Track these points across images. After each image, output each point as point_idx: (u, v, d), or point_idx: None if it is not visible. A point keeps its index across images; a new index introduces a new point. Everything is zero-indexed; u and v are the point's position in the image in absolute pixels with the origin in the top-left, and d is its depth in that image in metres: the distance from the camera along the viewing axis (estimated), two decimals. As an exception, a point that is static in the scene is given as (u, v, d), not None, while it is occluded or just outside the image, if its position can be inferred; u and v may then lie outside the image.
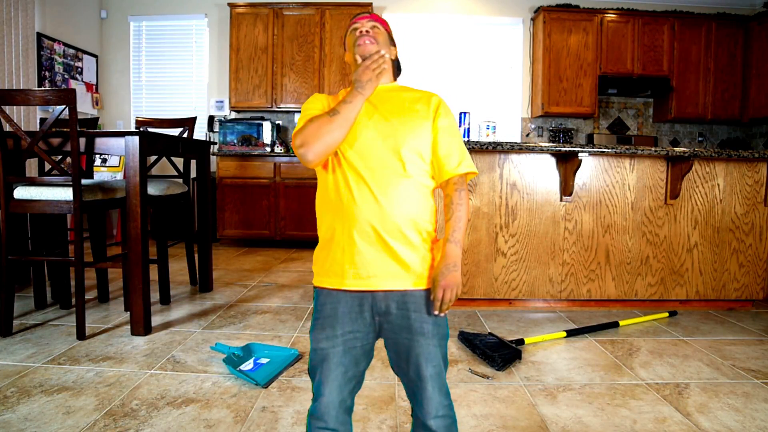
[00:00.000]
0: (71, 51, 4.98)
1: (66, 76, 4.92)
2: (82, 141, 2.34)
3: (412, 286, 1.06)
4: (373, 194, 1.03)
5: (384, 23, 1.23)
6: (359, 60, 1.15)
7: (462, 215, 1.09)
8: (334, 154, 1.08)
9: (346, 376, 1.04)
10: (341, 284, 1.06)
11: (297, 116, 5.34)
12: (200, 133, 5.36)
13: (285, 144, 5.23)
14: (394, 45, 1.24)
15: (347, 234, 1.05)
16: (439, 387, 1.03)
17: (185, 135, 3.32)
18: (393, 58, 1.22)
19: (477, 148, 2.65)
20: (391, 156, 1.06)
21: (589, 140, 5.45)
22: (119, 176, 5.04)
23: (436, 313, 1.03)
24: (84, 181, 2.42)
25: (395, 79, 1.25)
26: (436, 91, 1.21)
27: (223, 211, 4.91)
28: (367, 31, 1.17)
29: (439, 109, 1.13)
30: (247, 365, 1.99)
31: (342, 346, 1.04)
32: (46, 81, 4.64)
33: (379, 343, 1.13)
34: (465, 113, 3.39)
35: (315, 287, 1.12)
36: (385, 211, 1.03)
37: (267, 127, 5.09)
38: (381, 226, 1.03)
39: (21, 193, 2.31)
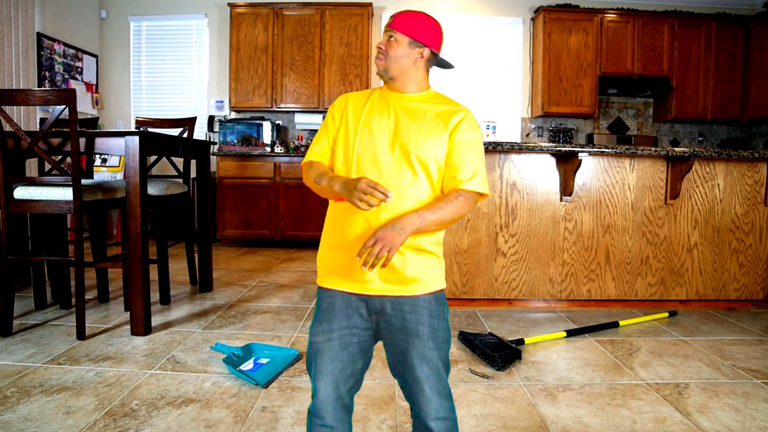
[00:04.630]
0: (71, 51, 4.98)
1: (66, 76, 4.92)
2: (82, 141, 2.34)
3: (410, 293, 1.06)
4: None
5: (405, 28, 1.12)
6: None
7: (444, 206, 1.04)
8: (345, 160, 1.11)
9: (343, 373, 1.04)
10: (339, 285, 1.08)
11: (297, 116, 5.35)
12: (200, 133, 5.35)
13: (285, 144, 5.23)
14: (426, 44, 1.13)
15: (351, 238, 1.06)
16: (438, 389, 1.02)
17: (185, 135, 3.32)
18: (420, 58, 1.14)
19: (477, 148, 2.65)
20: (402, 164, 1.07)
21: (589, 140, 5.45)
22: (119, 176, 5.04)
23: (358, 258, 0.96)
24: (84, 181, 2.42)
25: (429, 84, 1.18)
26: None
27: (223, 211, 4.91)
28: (380, 48, 1.14)
29: (460, 123, 1.09)
30: (247, 365, 1.99)
31: (338, 341, 1.04)
32: (46, 81, 4.64)
33: (380, 343, 1.13)
34: (465, 113, 3.39)
35: (318, 286, 1.14)
36: (390, 218, 1.04)
37: (267, 127, 5.09)
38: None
39: (21, 193, 2.31)
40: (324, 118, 1.20)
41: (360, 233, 1.05)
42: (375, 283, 1.06)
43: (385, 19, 5.42)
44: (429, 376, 1.02)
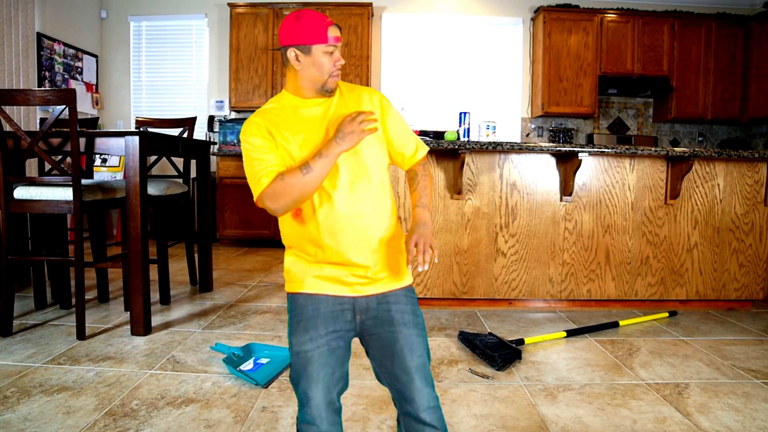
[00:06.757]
0: (71, 51, 4.98)
1: (66, 76, 4.92)
2: (82, 141, 2.34)
3: (393, 288, 1.12)
4: (348, 206, 1.07)
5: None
6: (327, 82, 1.09)
7: (427, 184, 1.19)
8: None
9: (333, 377, 1.04)
10: (328, 290, 1.10)
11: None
12: (200, 133, 5.35)
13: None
14: None
15: (344, 249, 1.08)
16: (426, 378, 1.05)
17: (185, 135, 3.32)
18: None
19: (477, 148, 2.65)
20: (357, 163, 1.09)
21: (589, 140, 5.45)
22: (119, 176, 5.04)
23: (411, 265, 1.03)
24: (84, 181, 2.42)
25: None
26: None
27: (223, 211, 4.91)
28: (341, 65, 1.10)
29: (382, 104, 1.16)
30: (247, 365, 1.99)
31: (326, 347, 1.05)
32: (46, 81, 4.64)
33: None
34: (465, 113, 3.39)
35: (292, 293, 1.13)
36: (364, 222, 1.08)
37: (267, 127, 5.08)
38: (362, 238, 1.08)
39: (21, 193, 2.31)
40: (249, 147, 1.07)
41: (354, 242, 1.08)
42: (362, 286, 1.10)
43: (386, 19, 5.42)
44: (418, 366, 1.05)
